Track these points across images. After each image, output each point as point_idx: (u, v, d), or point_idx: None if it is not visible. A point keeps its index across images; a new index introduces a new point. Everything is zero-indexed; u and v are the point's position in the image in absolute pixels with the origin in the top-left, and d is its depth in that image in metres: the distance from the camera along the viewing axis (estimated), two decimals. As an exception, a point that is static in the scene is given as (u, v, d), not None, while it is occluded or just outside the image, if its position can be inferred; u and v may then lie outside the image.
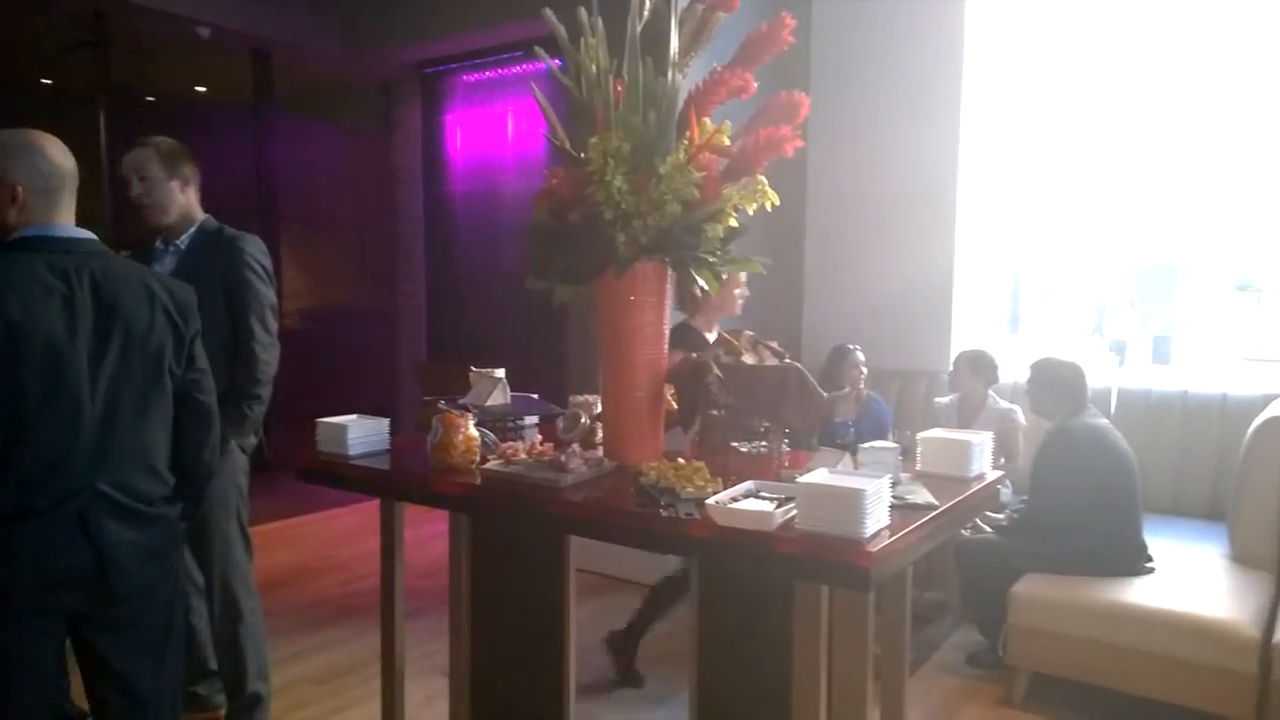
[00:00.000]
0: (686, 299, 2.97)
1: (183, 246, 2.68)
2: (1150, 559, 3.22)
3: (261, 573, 3.01)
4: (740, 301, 3.24)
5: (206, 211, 2.75)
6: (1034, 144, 4.73)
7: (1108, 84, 4.62)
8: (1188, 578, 3.15)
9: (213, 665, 2.91)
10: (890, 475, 1.79)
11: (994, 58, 4.62)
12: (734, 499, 1.73)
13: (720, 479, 1.86)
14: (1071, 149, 4.73)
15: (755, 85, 2.11)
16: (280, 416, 5.14)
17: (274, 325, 2.73)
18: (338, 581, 4.50)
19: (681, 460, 1.97)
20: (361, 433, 2.31)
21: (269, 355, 2.68)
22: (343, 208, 7.34)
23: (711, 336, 3.07)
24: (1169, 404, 3.98)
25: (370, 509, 2.70)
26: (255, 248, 2.72)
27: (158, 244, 2.70)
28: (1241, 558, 3.29)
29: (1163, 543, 3.35)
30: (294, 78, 6.80)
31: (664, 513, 1.74)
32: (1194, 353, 4.74)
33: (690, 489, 1.80)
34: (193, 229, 2.70)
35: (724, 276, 2.56)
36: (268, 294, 2.72)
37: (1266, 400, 3.64)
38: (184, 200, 2.67)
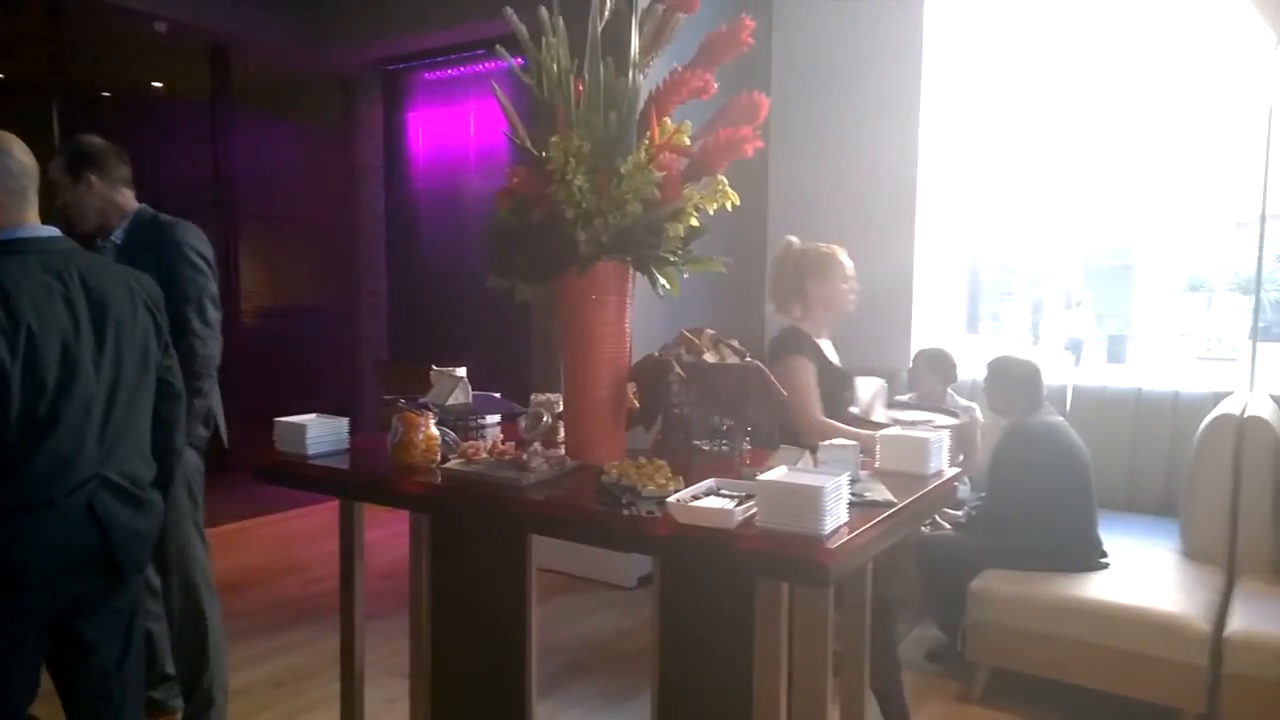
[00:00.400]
0: (788, 301, 2.77)
1: (118, 242, 2.63)
2: (1105, 554, 3.28)
3: (220, 574, 2.97)
4: (852, 297, 2.83)
5: (164, 209, 2.70)
6: (993, 146, 4.80)
7: (1065, 87, 4.71)
8: (1141, 573, 3.22)
9: (169, 669, 2.86)
10: (849, 473, 1.80)
11: (953, 60, 4.68)
12: (695, 497, 1.73)
13: (682, 477, 1.86)
14: (1029, 151, 4.81)
15: (716, 86, 2.12)
16: (239, 416, 5.07)
17: (214, 315, 2.66)
18: (298, 583, 4.44)
19: (643, 459, 1.97)
20: (320, 432, 2.29)
21: (208, 349, 2.61)
22: (303, 205, 7.25)
23: (824, 342, 2.80)
24: (1123, 402, 4.06)
25: (330, 510, 2.67)
26: (191, 235, 2.65)
27: (99, 242, 2.66)
28: (1193, 553, 3.36)
29: (1117, 538, 3.42)
30: (253, 74, 6.71)
31: (625, 511, 1.74)
32: (1148, 351, 4.84)
33: (652, 487, 1.81)
34: (126, 222, 2.65)
35: (847, 274, 2.75)
36: (205, 283, 2.64)
37: (1217, 398, 3.72)
38: (100, 200, 2.62)
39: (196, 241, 2.65)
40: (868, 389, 3.00)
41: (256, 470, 2.34)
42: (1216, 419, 3.38)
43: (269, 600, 4.21)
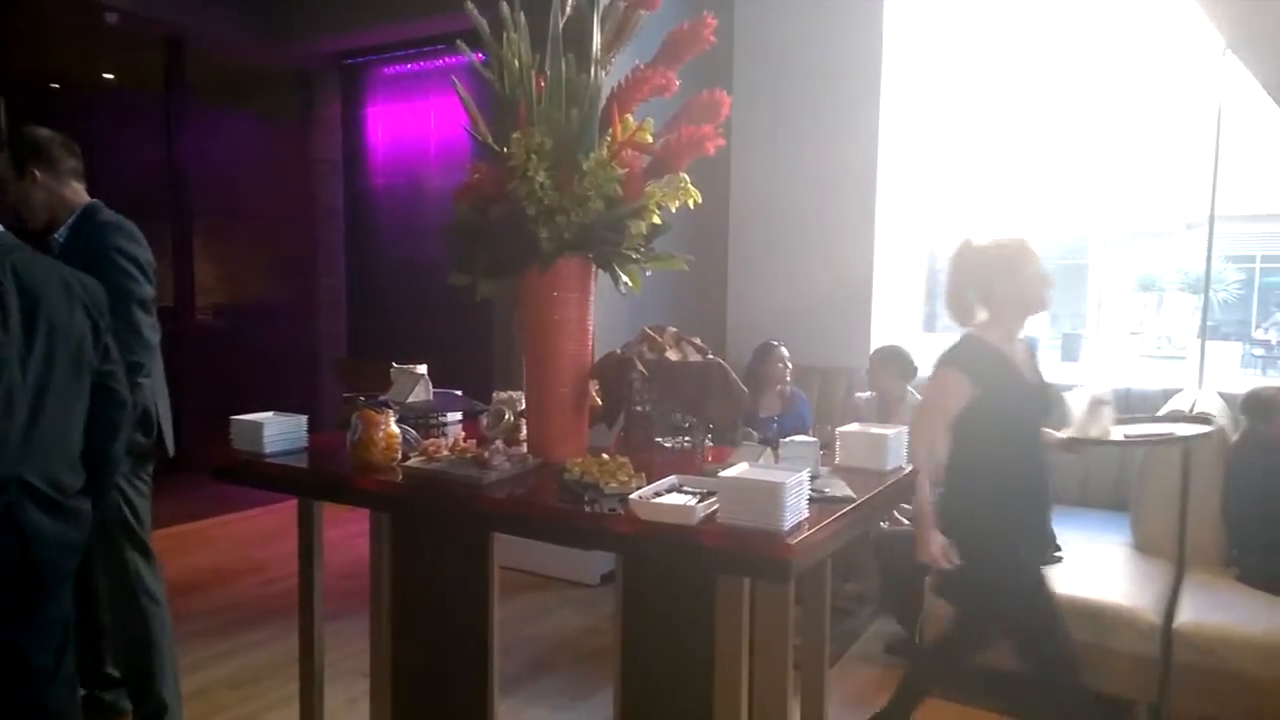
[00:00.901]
0: (969, 306, 2.44)
1: (61, 240, 2.56)
2: (1059, 548, 3.34)
3: (175, 575, 2.92)
4: (1049, 292, 2.48)
5: (115, 204, 2.63)
6: (950, 147, 4.87)
7: (1021, 91, 4.79)
8: (1094, 566, 3.28)
9: (112, 671, 2.81)
10: (810, 469, 1.82)
11: (912, 62, 4.73)
12: (657, 494, 1.74)
13: (644, 474, 1.87)
14: (986, 152, 4.88)
15: (678, 84, 2.12)
16: (194, 415, 4.99)
17: (142, 319, 2.51)
18: (255, 583, 4.38)
19: (605, 456, 1.97)
20: (278, 430, 2.26)
21: (135, 355, 2.45)
22: (259, 200, 7.13)
23: (1012, 350, 2.43)
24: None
25: (288, 509, 2.64)
26: (123, 238, 2.52)
27: (52, 238, 2.58)
28: (1143, 546, 3.44)
29: (1071, 532, 3.49)
30: (208, 66, 6.59)
31: (588, 508, 1.75)
32: (1101, 350, 4.95)
33: (614, 485, 1.81)
34: (72, 219, 2.57)
35: (1040, 264, 2.39)
36: (133, 287, 2.49)
37: (1167, 395, 3.81)
38: (47, 194, 2.54)
39: (129, 244, 2.52)
40: (1082, 403, 2.65)
41: (212, 469, 2.30)
42: (1167, 415, 3.45)
43: (225, 601, 4.14)
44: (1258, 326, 17.04)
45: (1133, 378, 4.18)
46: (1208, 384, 3.90)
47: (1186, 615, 2.90)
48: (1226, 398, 3.74)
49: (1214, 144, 3.77)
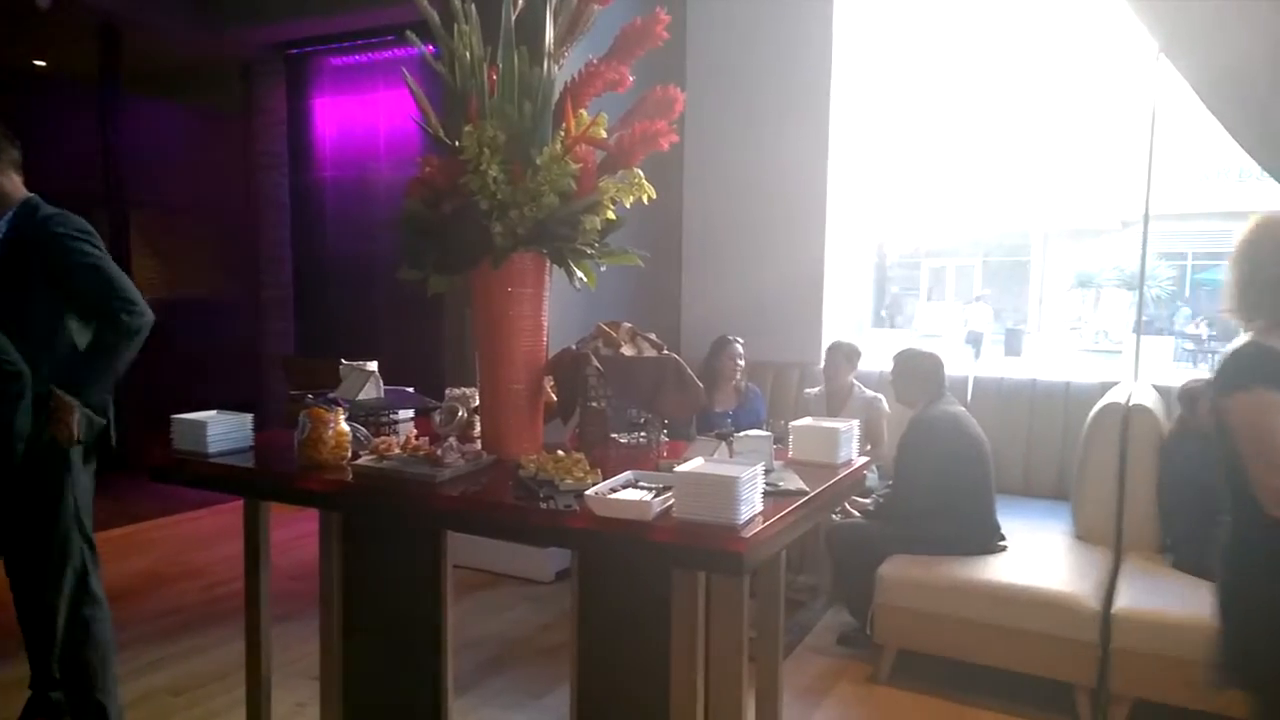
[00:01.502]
0: (1257, 304, 1.88)
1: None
2: (1003, 538, 3.42)
3: (114, 579, 2.84)
4: None
5: (47, 196, 2.54)
6: (899, 146, 4.94)
7: (966, 93, 4.87)
8: (1036, 555, 3.36)
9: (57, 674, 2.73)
10: (764, 463, 1.83)
11: (862, 61, 4.79)
12: (613, 490, 1.73)
13: (599, 470, 1.86)
14: (932, 152, 4.97)
15: (631, 79, 2.12)
16: (134, 414, 4.84)
17: (130, 285, 2.56)
18: (199, 587, 4.27)
19: (561, 452, 1.96)
20: (221, 429, 2.20)
21: (143, 319, 2.55)
22: (200, 193, 6.96)
23: None
24: (1019, 392, 4.24)
25: (234, 510, 2.58)
26: (72, 221, 2.50)
27: None
28: (1083, 534, 3.54)
29: (1014, 522, 3.57)
30: (145, 55, 6.40)
31: (543, 505, 1.74)
32: (1042, 345, 5.07)
33: (570, 481, 1.80)
34: (10, 214, 2.49)
35: None
36: (104, 259, 2.51)
37: (1104, 388, 3.92)
38: None
39: (78, 231, 2.49)
40: None
41: (151, 470, 2.24)
42: (1104, 408, 3.55)
43: (167, 606, 4.03)
44: (1189, 321, 17.65)
45: (1073, 371, 4.29)
46: (1143, 377, 4.02)
47: (1124, 601, 2.98)
48: (1160, 390, 3.86)
49: (1148, 145, 3.87)
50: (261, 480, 2.17)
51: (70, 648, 2.57)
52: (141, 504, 5.35)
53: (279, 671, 2.54)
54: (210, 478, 2.16)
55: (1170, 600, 2.94)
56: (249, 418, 2.28)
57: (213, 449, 2.17)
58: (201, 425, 2.18)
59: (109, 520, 4.96)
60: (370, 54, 6.35)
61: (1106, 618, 2.97)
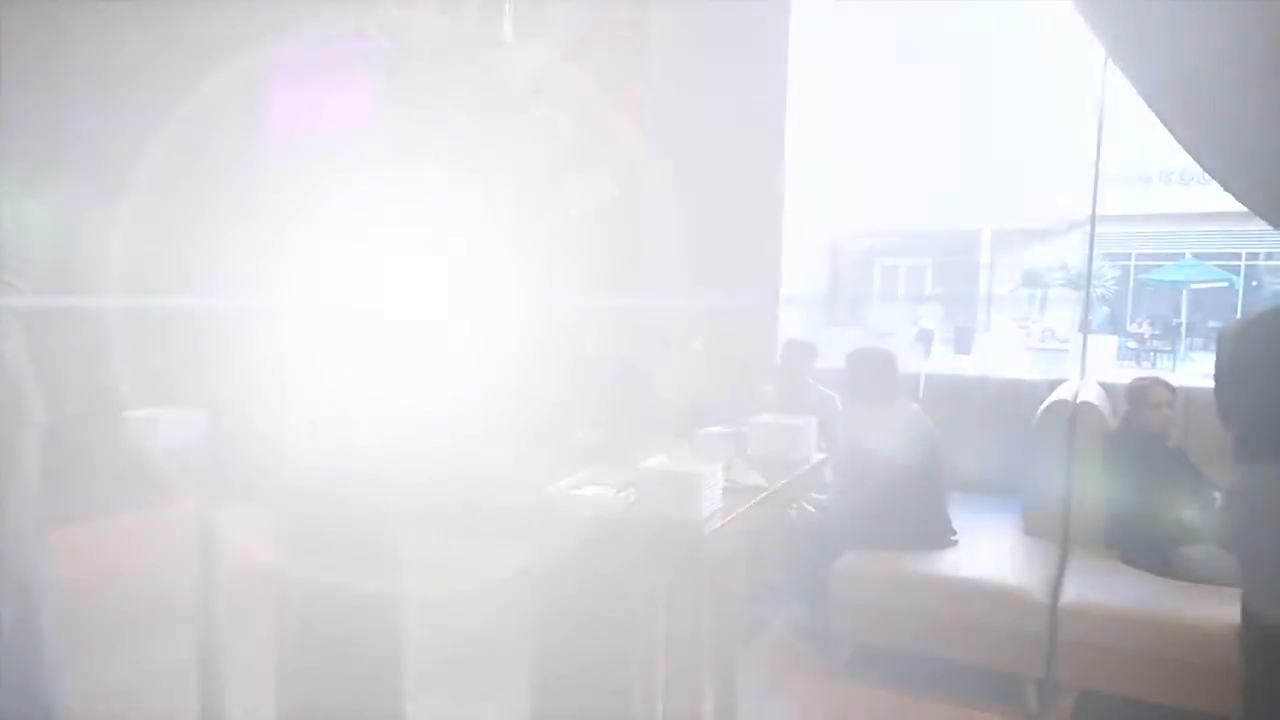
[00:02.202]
0: None
1: None
2: (954, 532, 3.49)
3: (58, 579, 2.76)
4: None
5: None
6: (852, 147, 5.01)
7: (919, 95, 4.95)
8: (986, 549, 3.43)
9: None
10: (724, 459, 1.85)
11: (818, 65, 4.84)
12: (575, 486, 1.74)
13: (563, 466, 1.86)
14: (885, 152, 5.04)
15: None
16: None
17: None
18: (147, 586, 4.17)
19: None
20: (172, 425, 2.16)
21: None
22: None
23: None
24: (969, 389, 4.32)
25: (182, 506, 2.53)
26: None
27: None
28: (1032, 529, 3.62)
29: (965, 516, 3.64)
30: None
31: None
32: (991, 343, 5.17)
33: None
34: None
35: None
36: None
37: (1052, 385, 4.01)
38: None
39: None
40: None
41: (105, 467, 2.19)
42: (1052, 405, 3.64)
43: (113, 605, 3.94)
44: (1132, 321, 18.13)
45: (1021, 369, 4.39)
46: (1089, 374, 4.12)
47: (1071, 594, 3.06)
48: (1106, 387, 3.96)
49: (1095, 148, 3.97)
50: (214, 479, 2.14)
51: (22, 651, 2.49)
52: (85, 500, 5.20)
53: (232, 671, 2.50)
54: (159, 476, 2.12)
55: (1116, 594, 3.02)
56: (204, 415, 2.24)
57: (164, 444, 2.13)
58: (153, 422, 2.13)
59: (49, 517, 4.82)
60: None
61: (1054, 610, 3.04)
